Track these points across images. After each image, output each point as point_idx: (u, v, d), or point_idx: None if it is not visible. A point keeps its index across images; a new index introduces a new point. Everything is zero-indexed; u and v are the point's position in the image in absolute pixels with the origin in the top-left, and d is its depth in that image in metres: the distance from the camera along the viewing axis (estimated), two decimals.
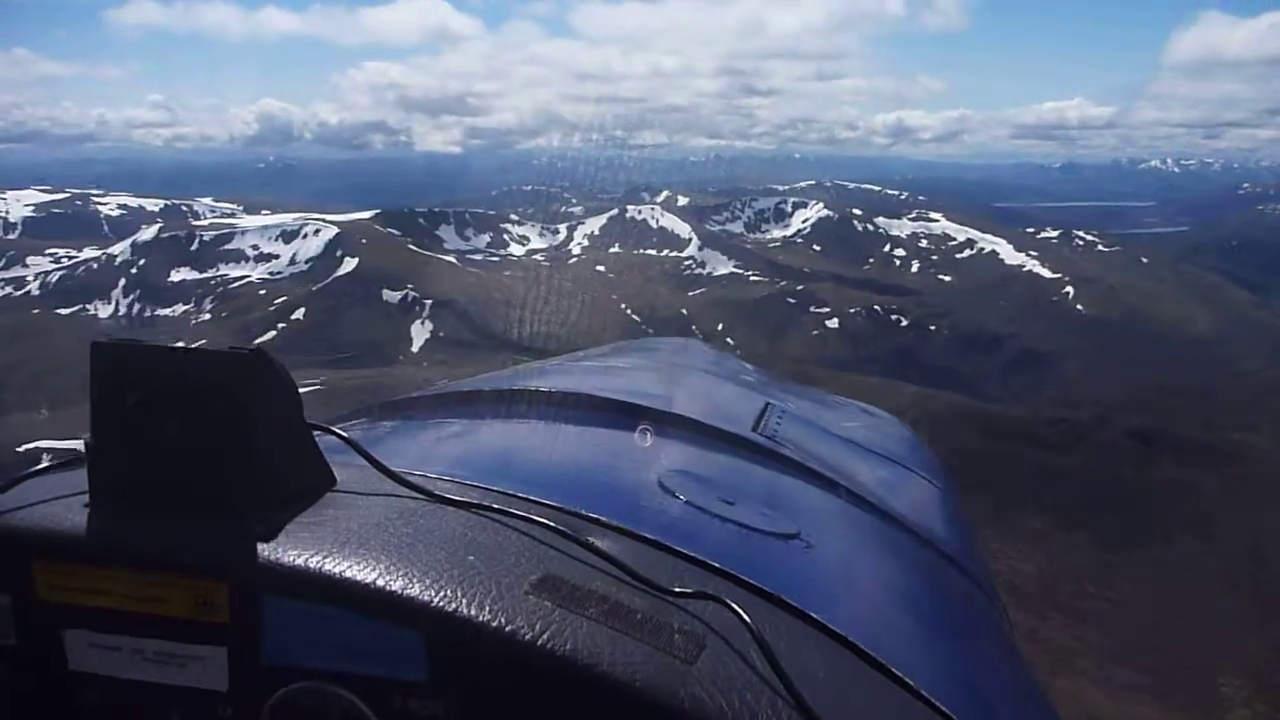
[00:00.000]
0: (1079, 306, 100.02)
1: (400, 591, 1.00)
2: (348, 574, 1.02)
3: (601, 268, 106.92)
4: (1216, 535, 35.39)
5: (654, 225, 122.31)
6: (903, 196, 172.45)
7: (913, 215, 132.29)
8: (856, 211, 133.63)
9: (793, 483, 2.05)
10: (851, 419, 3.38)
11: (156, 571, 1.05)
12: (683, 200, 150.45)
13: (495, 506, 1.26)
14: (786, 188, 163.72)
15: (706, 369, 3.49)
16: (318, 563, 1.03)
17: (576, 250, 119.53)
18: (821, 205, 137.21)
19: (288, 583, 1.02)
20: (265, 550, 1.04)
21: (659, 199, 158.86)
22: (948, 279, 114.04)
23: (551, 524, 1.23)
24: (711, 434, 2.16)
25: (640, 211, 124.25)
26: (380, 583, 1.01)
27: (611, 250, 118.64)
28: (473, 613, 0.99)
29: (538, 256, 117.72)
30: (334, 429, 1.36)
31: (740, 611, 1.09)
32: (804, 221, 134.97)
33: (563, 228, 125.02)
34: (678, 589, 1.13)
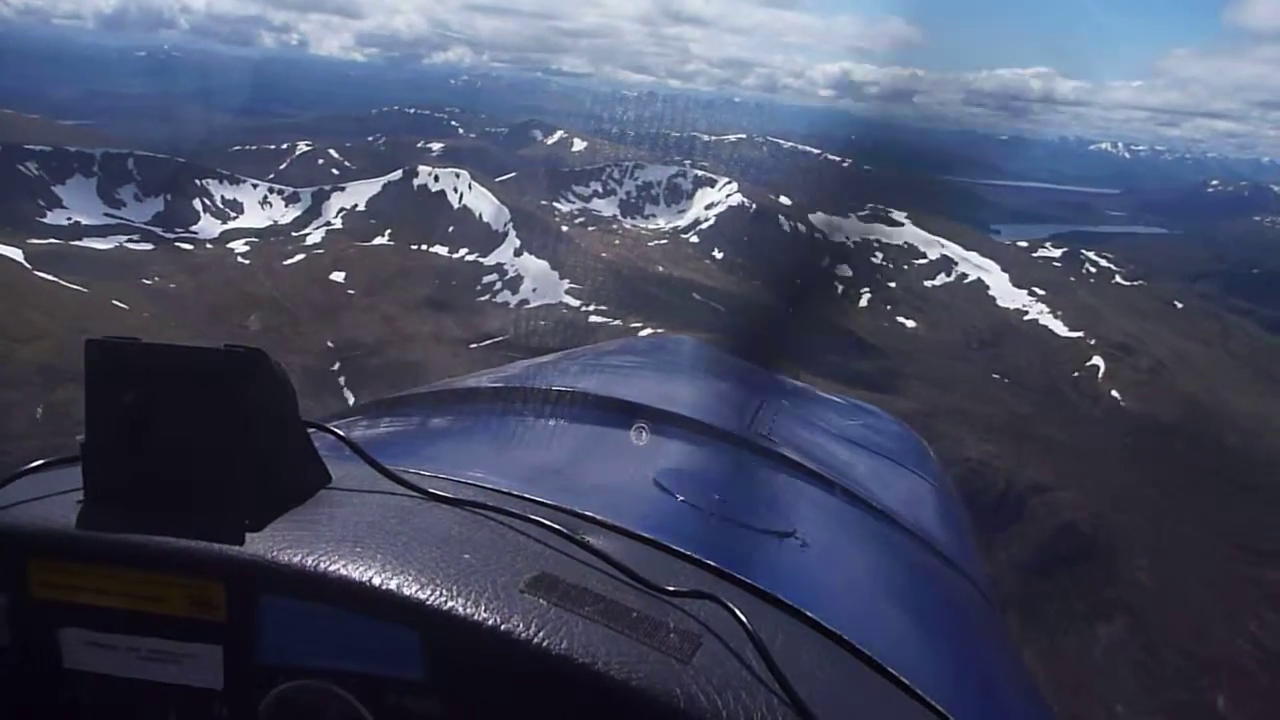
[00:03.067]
0: (1115, 394, 62.80)
1: (396, 590, 1.01)
2: (343, 572, 1.02)
3: (338, 276, 65.16)
4: None
5: (453, 202, 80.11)
6: (845, 163, 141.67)
7: (865, 212, 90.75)
8: (784, 202, 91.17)
9: (789, 481, 2.08)
10: (849, 417, 3.40)
11: (152, 570, 1.05)
12: (578, 145, 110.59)
13: (491, 505, 1.28)
14: (712, 139, 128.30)
15: (703, 367, 3.53)
16: (313, 561, 1.03)
17: (316, 235, 76.71)
18: (734, 188, 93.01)
19: (283, 581, 1.03)
20: (261, 549, 1.05)
21: (551, 139, 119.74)
22: (911, 325, 74.56)
23: (547, 523, 1.25)
24: (707, 432, 2.18)
25: (436, 179, 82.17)
26: (376, 581, 1.01)
27: (374, 241, 75.66)
28: (468, 611, 0.99)
29: (239, 243, 73.64)
30: (330, 427, 1.38)
31: (735, 610, 1.10)
32: (707, 208, 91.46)
33: (306, 194, 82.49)
34: (673, 588, 1.14)
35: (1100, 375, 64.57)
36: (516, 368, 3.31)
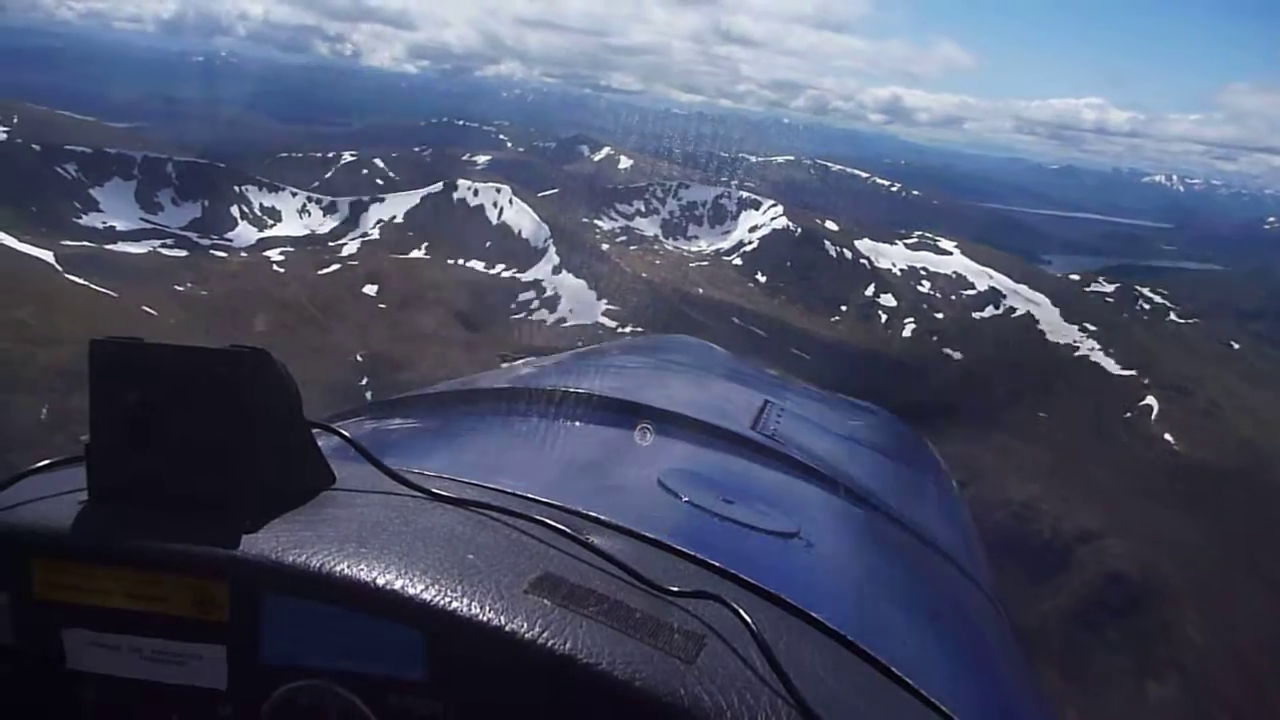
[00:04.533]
0: (1168, 436, 60.36)
1: (399, 590, 1.01)
2: (347, 572, 1.02)
3: (371, 289, 64.45)
4: None
5: (492, 218, 79.37)
6: (894, 188, 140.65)
7: (913, 240, 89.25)
8: (831, 227, 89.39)
9: (792, 481, 2.10)
10: (852, 417, 3.39)
11: (155, 570, 1.05)
12: (625, 162, 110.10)
13: (495, 505, 1.28)
14: (760, 159, 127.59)
15: (706, 367, 3.52)
16: (317, 561, 1.03)
17: (351, 246, 76.25)
18: (779, 211, 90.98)
19: (287, 581, 1.03)
20: (264, 548, 1.05)
21: (598, 155, 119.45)
22: (958, 357, 72.44)
23: (551, 523, 1.25)
24: (711, 432, 2.21)
25: (475, 193, 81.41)
26: (379, 581, 1.02)
27: (410, 254, 75.31)
28: (472, 611, 1.00)
29: (274, 252, 73.08)
30: (334, 427, 1.39)
31: (739, 610, 1.10)
32: (751, 230, 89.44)
33: (344, 204, 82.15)
34: (677, 588, 1.15)
35: (1153, 416, 62.23)
36: (520, 368, 3.29)
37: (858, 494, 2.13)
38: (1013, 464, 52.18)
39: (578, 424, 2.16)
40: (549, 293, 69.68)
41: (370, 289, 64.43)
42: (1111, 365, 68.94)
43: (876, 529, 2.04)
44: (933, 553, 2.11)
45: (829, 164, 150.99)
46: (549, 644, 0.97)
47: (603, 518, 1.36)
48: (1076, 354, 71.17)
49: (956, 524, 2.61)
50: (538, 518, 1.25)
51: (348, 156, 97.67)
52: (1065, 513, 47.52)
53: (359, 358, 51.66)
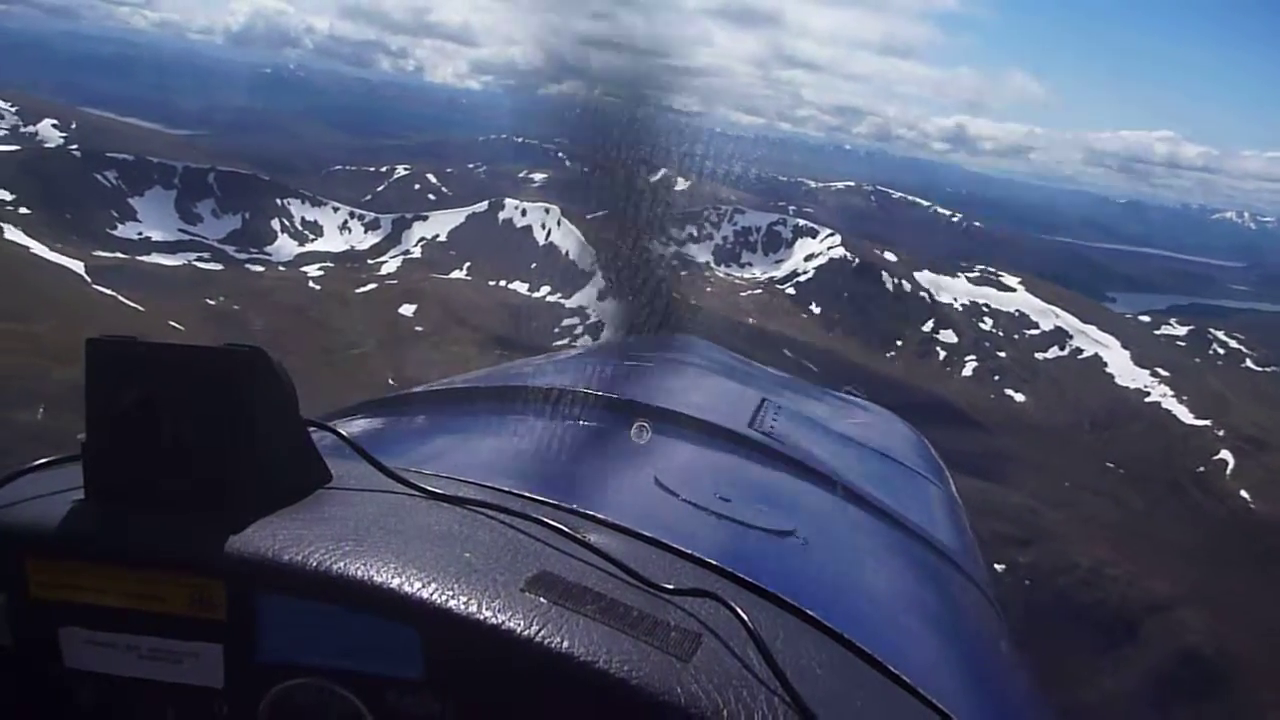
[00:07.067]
0: (1244, 494, 56.63)
1: (396, 588, 1.01)
2: (343, 571, 1.02)
3: (409, 309, 62.68)
4: None
5: (538, 239, 77.70)
6: (955, 218, 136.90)
7: (975, 274, 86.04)
8: (889, 258, 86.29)
9: (789, 479, 2.12)
10: (851, 415, 3.42)
11: (152, 569, 1.05)
12: (681, 184, 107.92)
13: (491, 503, 1.29)
14: (819, 185, 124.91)
15: (704, 365, 3.52)
16: (314, 559, 1.03)
17: (392, 264, 74.90)
18: (836, 240, 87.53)
19: (284, 580, 1.03)
20: (261, 547, 1.05)
21: (655, 177, 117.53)
22: (1020, 399, 69.15)
23: (548, 521, 1.25)
24: (709, 431, 2.23)
25: (523, 213, 79.73)
26: (376, 580, 1.01)
27: (451, 274, 73.66)
28: (469, 610, 0.99)
29: (313, 268, 71.53)
30: (330, 426, 1.40)
31: (736, 609, 1.10)
32: (807, 259, 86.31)
33: (387, 220, 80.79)
34: (674, 586, 1.15)
35: (1228, 471, 58.57)
36: (518, 366, 3.28)
37: (855, 492, 2.12)
38: (1077, 520, 49.00)
39: (575, 422, 2.12)
40: (593, 319, 67.42)
41: (408, 309, 62.77)
42: (1184, 414, 65.32)
43: (873, 527, 2.02)
44: (930, 551, 2.08)
45: (890, 191, 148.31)
46: (546, 642, 0.96)
47: (600, 516, 1.36)
48: (1147, 400, 67.59)
49: (954, 523, 2.57)
50: (534, 516, 1.24)
51: (401, 171, 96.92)
52: (1133, 578, 44.23)
53: (390, 381, 49.97)
